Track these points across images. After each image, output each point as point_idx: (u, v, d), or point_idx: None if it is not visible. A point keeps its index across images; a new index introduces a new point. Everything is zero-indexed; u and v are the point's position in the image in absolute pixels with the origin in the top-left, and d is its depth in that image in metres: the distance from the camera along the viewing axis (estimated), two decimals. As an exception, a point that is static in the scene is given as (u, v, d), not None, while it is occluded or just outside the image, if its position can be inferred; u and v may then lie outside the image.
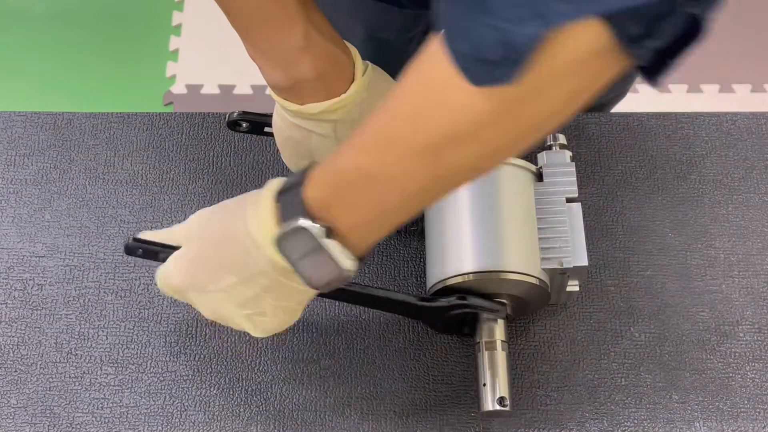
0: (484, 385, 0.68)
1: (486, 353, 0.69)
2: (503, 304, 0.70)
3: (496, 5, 0.44)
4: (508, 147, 0.53)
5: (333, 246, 0.56)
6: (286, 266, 0.58)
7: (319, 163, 0.57)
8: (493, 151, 0.52)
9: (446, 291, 0.70)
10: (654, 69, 0.47)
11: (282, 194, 0.58)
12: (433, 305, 0.70)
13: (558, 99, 0.48)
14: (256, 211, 0.58)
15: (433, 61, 0.49)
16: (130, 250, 0.69)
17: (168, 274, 0.65)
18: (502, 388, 0.68)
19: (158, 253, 0.68)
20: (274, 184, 0.59)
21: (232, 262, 0.60)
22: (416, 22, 0.91)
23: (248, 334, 0.63)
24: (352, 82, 0.64)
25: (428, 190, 0.55)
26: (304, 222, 0.55)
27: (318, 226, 0.55)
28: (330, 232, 0.56)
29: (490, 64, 0.45)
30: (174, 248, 0.66)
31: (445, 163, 0.51)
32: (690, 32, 0.45)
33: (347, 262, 0.57)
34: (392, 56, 0.94)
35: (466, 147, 0.50)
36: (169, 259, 0.66)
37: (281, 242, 0.57)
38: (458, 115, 0.49)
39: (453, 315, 0.70)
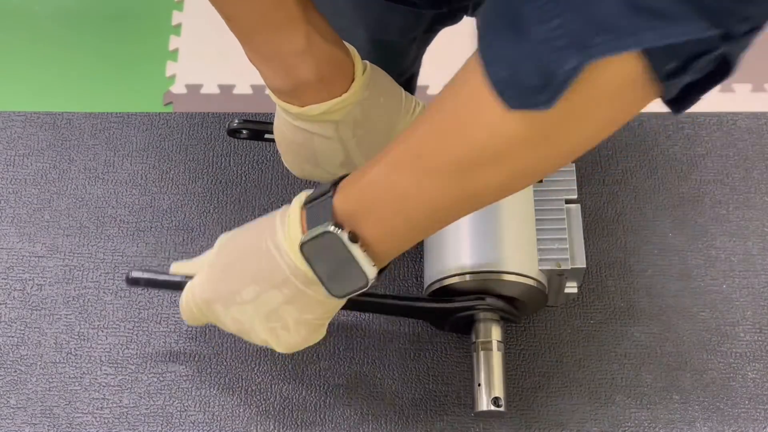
0: (479, 385, 0.68)
1: (482, 353, 0.69)
2: (517, 307, 0.70)
3: (537, 32, 0.44)
4: (538, 170, 0.53)
5: (358, 252, 0.56)
6: (308, 272, 0.58)
7: (349, 174, 0.58)
8: (523, 173, 0.52)
9: (444, 291, 0.70)
10: (679, 100, 0.48)
11: (310, 204, 0.58)
12: (447, 306, 0.71)
13: (590, 126, 0.49)
14: (283, 219, 0.59)
15: (469, 81, 0.49)
16: (132, 282, 0.71)
17: (194, 287, 0.66)
18: (497, 389, 0.68)
19: (161, 286, 0.70)
20: (303, 195, 0.59)
21: (257, 270, 0.61)
22: (418, 22, 0.90)
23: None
24: (353, 81, 0.64)
25: (457, 207, 0.55)
26: (331, 227, 0.56)
27: (345, 231, 0.56)
28: (355, 239, 0.56)
29: (527, 90, 0.46)
30: (177, 282, 0.68)
31: (475, 182, 0.52)
32: (720, 69, 0.46)
33: (370, 270, 0.57)
34: (395, 57, 0.94)
35: (497, 168, 0.51)
36: (196, 275, 0.66)
37: (306, 247, 0.57)
38: (490, 136, 0.49)
39: (464, 315, 0.71)
